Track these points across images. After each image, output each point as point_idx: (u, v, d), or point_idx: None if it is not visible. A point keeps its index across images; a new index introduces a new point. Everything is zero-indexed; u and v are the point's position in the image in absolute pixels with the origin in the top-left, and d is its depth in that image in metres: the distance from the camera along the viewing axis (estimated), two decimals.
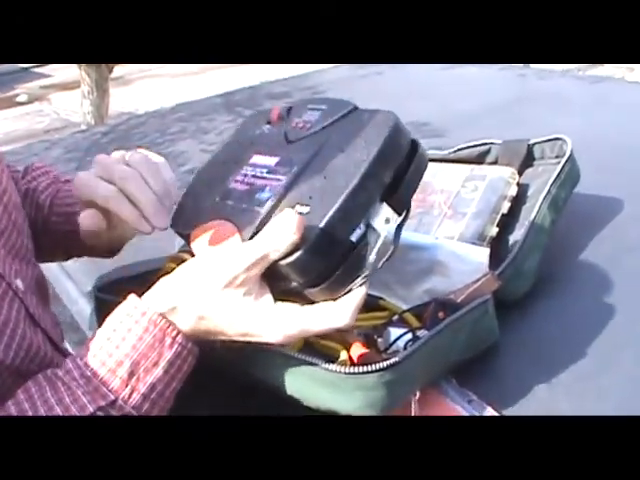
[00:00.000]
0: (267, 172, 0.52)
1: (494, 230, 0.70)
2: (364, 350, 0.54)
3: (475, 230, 0.70)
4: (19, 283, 0.54)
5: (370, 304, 0.48)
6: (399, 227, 0.51)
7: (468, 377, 0.57)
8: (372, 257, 0.48)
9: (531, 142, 0.79)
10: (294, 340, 0.48)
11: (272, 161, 0.53)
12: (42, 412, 0.45)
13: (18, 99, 6.50)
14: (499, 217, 0.71)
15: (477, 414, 0.54)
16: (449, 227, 0.72)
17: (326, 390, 0.50)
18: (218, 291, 0.46)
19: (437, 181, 0.78)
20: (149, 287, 0.49)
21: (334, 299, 0.47)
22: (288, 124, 0.56)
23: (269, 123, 0.58)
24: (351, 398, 0.50)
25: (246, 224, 0.49)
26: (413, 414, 0.52)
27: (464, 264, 0.66)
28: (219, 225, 0.51)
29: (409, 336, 0.56)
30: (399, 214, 0.50)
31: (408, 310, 0.60)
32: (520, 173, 0.77)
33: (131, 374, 0.46)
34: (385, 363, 0.49)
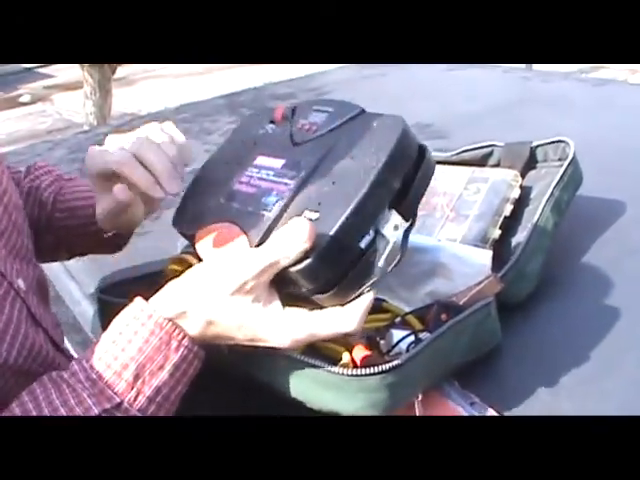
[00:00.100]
0: (273, 175, 0.52)
1: (497, 232, 0.70)
2: (367, 352, 0.54)
3: (478, 232, 0.70)
4: (21, 283, 0.54)
5: (373, 306, 0.48)
6: (407, 233, 0.50)
7: (470, 379, 0.56)
8: (381, 263, 0.48)
9: (534, 144, 0.79)
10: (302, 345, 0.48)
11: (278, 163, 0.53)
12: (46, 413, 0.45)
13: (21, 99, 6.52)
14: (502, 219, 0.71)
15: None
16: (452, 229, 0.72)
17: (329, 392, 0.50)
18: (227, 297, 0.46)
19: (440, 183, 0.78)
20: (154, 289, 0.49)
21: (342, 304, 0.47)
22: (293, 125, 0.56)
23: (272, 122, 0.58)
24: (354, 400, 0.50)
25: (253, 228, 0.49)
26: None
27: (467, 266, 0.66)
28: (225, 227, 0.50)
29: (411, 338, 0.56)
30: (407, 220, 0.50)
31: (411, 312, 0.60)
32: (523, 175, 0.77)
33: (137, 377, 0.46)
34: (387, 365, 0.49)
